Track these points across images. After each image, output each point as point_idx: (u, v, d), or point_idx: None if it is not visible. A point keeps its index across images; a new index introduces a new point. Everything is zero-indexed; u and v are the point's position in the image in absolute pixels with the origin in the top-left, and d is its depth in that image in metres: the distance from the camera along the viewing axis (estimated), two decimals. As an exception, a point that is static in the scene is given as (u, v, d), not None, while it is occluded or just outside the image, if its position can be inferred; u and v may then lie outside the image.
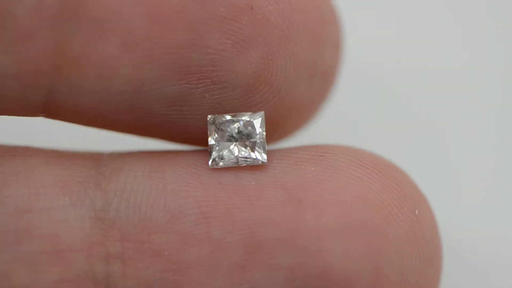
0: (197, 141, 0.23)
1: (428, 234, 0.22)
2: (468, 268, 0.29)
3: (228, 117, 0.22)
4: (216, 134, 0.22)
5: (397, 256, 0.21)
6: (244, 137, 0.22)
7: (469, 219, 0.30)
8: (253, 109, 0.22)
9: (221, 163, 0.22)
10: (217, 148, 0.22)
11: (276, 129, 0.24)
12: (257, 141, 0.22)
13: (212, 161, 0.22)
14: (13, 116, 0.22)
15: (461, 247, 0.29)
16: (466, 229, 0.30)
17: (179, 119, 0.22)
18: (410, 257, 0.21)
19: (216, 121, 0.22)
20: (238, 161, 0.22)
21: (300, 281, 0.21)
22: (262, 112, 0.22)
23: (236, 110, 0.22)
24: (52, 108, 0.22)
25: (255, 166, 0.22)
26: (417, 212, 0.22)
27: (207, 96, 0.22)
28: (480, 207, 0.30)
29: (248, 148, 0.22)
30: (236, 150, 0.22)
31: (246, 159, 0.22)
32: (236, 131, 0.22)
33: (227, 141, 0.22)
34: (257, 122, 0.22)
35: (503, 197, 0.31)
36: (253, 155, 0.22)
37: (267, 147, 0.22)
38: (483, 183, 0.31)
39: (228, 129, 0.22)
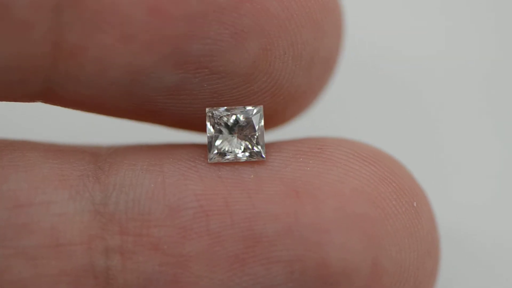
0: (195, 128, 0.23)
1: (426, 227, 0.22)
2: (466, 260, 0.29)
3: (227, 111, 0.22)
4: (214, 128, 0.22)
5: (395, 249, 0.21)
6: (243, 131, 0.22)
7: (467, 212, 0.30)
8: (251, 98, 0.22)
9: (219, 158, 0.22)
10: (215, 142, 0.22)
11: (274, 117, 0.24)
12: (256, 136, 0.22)
13: (211, 156, 0.22)
14: (13, 108, 0.22)
15: (459, 239, 0.29)
16: (464, 221, 0.30)
17: (177, 107, 0.22)
18: (409, 250, 0.21)
19: (215, 115, 0.22)
20: (236, 157, 0.22)
21: (299, 274, 0.21)
22: (261, 106, 0.22)
23: (234, 99, 0.22)
24: (50, 94, 0.22)
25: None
26: (415, 204, 0.22)
27: (205, 85, 0.22)
28: (478, 199, 0.30)
29: (247, 143, 0.22)
30: (234, 144, 0.22)
31: (244, 154, 0.22)
32: (235, 125, 0.22)
33: (226, 135, 0.22)
34: (256, 116, 0.22)
35: (502, 190, 0.31)
36: (251, 150, 0.22)
37: (265, 135, 0.23)
38: (481, 175, 0.31)
39: (227, 123, 0.22)
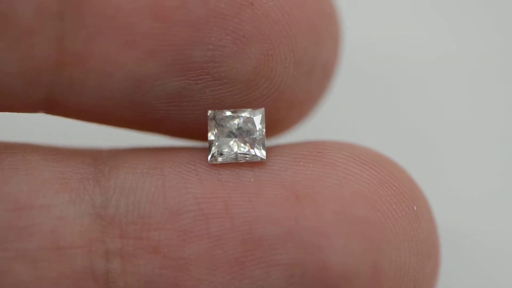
0: (197, 136, 0.23)
1: (426, 230, 0.22)
2: (466, 263, 0.29)
3: (228, 113, 0.22)
4: (216, 130, 0.22)
5: (395, 252, 0.21)
6: (244, 134, 0.22)
7: (467, 214, 0.30)
8: (253, 104, 0.22)
9: (220, 159, 0.22)
10: (216, 143, 0.22)
11: (276, 123, 0.24)
12: (257, 138, 0.22)
13: (211, 157, 0.22)
14: (13, 113, 0.22)
15: (459, 242, 0.29)
16: (464, 224, 0.30)
17: (179, 114, 0.22)
18: (408, 253, 0.21)
19: (216, 117, 0.22)
20: (237, 157, 0.22)
21: (299, 277, 0.21)
22: (262, 109, 0.22)
23: (236, 105, 0.22)
24: (53, 104, 0.22)
25: (254, 163, 0.22)
26: (415, 208, 0.22)
27: (208, 91, 0.22)
28: (478, 202, 0.30)
29: (248, 144, 0.22)
30: (235, 146, 0.22)
31: (245, 156, 0.22)
32: (236, 127, 0.22)
33: (227, 137, 0.22)
34: (257, 119, 0.22)
35: (501, 191, 0.31)
36: (252, 151, 0.22)
37: (266, 142, 0.23)
38: (480, 178, 0.31)
39: (228, 125, 0.22)
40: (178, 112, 0.22)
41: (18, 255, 0.20)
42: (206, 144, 0.23)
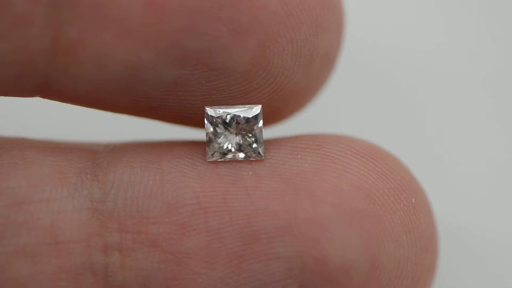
0: (194, 124, 0.23)
1: (424, 223, 0.22)
2: (464, 256, 0.29)
3: (226, 110, 0.22)
4: (213, 127, 0.22)
5: (393, 245, 0.21)
6: (242, 131, 0.22)
7: (465, 207, 0.30)
8: (250, 95, 0.22)
9: (218, 157, 0.22)
10: (214, 142, 0.22)
11: (273, 114, 0.24)
12: (255, 135, 0.22)
13: (210, 155, 0.22)
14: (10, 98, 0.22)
15: (457, 235, 0.29)
16: (463, 217, 0.30)
17: (175, 103, 0.22)
18: (407, 246, 0.21)
19: (214, 114, 0.22)
20: (235, 156, 0.22)
21: (298, 270, 0.21)
22: (260, 106, 0.22)
23: (233, 96, 0.22)
24: (48, 91, 0.22)
25: (253, 157, 0.22)
26: (413, 200, 0.22)
27: (204, 82, 0.22)
28: (476, 195, 0.30)
29: (246, 142, 0.22)
30: (233, 144, 0.22)
31: (243, 153, 0.22)
32: (234, 124, 0.22)
33: (224, 135, 0.22)
34: (255, 116, 0.22)
35: (499, 185, 0.31)
36: (250, 149, 0.22)
37: (264, 133, 0.23)
38: (479, 170, 0.31)
39: (226, 122, 0.22)
40: (175, 101, 0.22)
41: (17, 250, 0.20)
42: (203, 134, 0.23)
